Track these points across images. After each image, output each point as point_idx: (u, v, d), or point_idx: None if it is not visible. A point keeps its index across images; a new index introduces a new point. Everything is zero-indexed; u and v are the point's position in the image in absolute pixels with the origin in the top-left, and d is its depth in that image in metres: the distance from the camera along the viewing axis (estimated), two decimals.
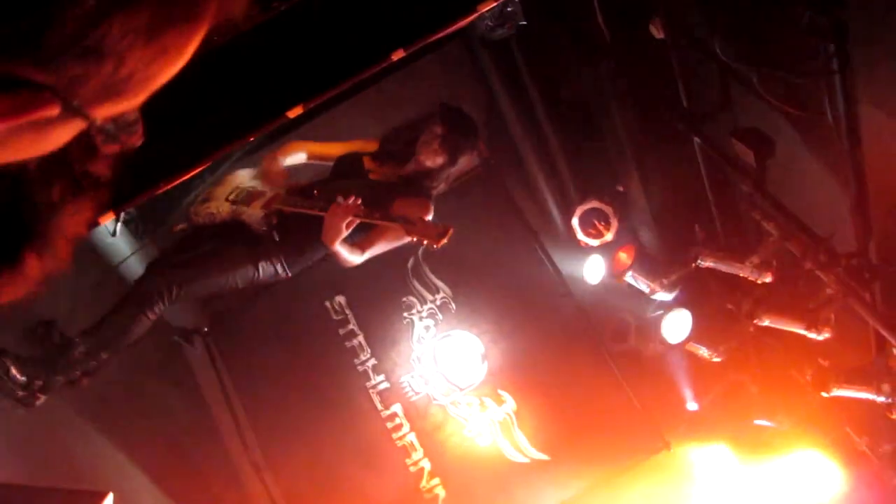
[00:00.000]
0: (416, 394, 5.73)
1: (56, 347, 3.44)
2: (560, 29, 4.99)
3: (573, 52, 4.99)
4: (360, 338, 5.82)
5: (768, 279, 4.39)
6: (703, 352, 5.12)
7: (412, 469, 5.61)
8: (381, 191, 3.78)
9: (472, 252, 5.61)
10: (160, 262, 3.65)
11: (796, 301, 4.36)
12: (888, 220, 3.78)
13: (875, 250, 3.90)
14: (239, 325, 5.90)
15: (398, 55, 2.86)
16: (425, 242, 3.25)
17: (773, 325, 4.40)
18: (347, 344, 5.81)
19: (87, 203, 1.01)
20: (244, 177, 3.89)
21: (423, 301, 5.87)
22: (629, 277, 5.38)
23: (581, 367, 5.78)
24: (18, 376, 3.13)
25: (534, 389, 5.72)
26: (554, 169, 5.84)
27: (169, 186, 2.86)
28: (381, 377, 5.75)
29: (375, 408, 5.71)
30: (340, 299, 5.86)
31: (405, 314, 5.89)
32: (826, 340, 4.19)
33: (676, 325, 5.11)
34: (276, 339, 5.84)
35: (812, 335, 4.20)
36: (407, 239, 3.48)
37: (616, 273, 5.58)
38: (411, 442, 5.65)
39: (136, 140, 0.95)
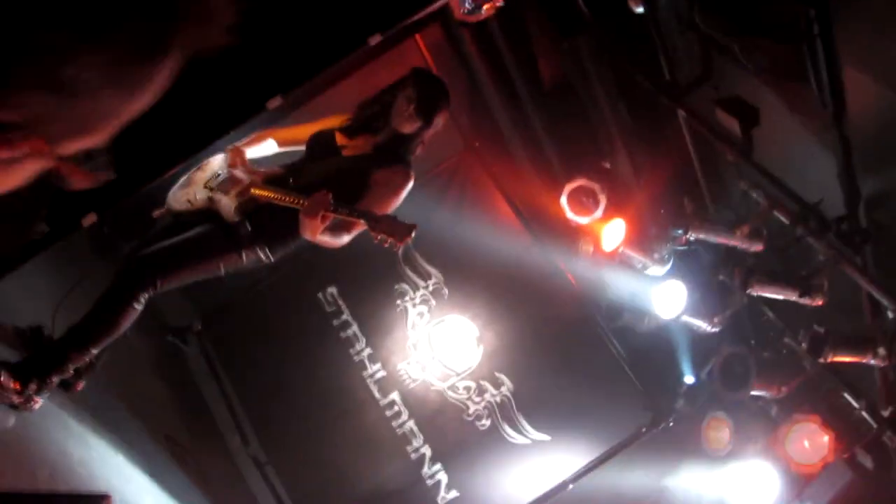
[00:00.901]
0: (414, 381, 5.73)
1: (46, 349, 3.41)
2: (539, 7, 4.97)
3: (553, 30, 4.96)
4: (355, 328, 5.82)
5: (759, 248, 4.40)
6: (699, 324, 5.12)
7: (413, 456, 5.62)
8: (356, 168, 3.75)
9: (462, 237, 5.61)
10: (140, 250, 3.60)
11: (789, 268, 4.36)
12: (875, 183, 3.78)
13: (864, 214, 3.90)
14: (233, 321, 5.89)
15: (375, 40, 2.84)
16: (388, 241, 3.24)
17: (766, 294, 4.41)
18: (342, 335, 5.80)
19: None
20: (223, 163, 3.85)
21: (415, 288, 5.87)
22: (621, 254, 5.37)
23: (577, 345, 5.79)
24: (11, 383, 3.11)
25: (531, 370, 5.72)
26: (539, 149, 5.82)
27: (151, 184, 2.85)
28: (378, 366, 5.75)
29: (373, 397, 5.71)
30: (332, 290, 5.85)
31: (398, 301, 5.89)
32: (820, 307, 4.20)
33: (670, 297, 5.10)
34: (270, 334, 5.84)
35: (806, 302, 4.21)
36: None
37: (607, 251, 5.57)
38: (411, 429, 5.66)
39: (106, 175, 0.94)
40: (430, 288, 5.88)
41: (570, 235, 5.86)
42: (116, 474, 3.77)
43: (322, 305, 5.85)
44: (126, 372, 4.53)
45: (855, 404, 4.75)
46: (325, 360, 5.76)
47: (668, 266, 5.09)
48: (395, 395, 5.70)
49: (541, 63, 5.38)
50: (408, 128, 3.78)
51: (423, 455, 5.61)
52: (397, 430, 5.65)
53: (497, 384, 5.70)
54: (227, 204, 3.60)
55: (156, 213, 3.89)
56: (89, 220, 2.76)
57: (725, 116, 4.00)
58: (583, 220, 5.20)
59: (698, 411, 5.55)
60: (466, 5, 4.54)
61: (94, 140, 0.86)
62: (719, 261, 4.78)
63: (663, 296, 5.09)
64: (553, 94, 5.42)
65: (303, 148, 3.99)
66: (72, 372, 3.39)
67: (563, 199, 5.34)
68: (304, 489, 5.54)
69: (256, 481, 5.60)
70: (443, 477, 5.57)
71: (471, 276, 5.83)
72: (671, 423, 5.56)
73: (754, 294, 4.45)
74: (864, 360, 4.09)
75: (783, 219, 4.32)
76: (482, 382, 5.71)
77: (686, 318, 5.15)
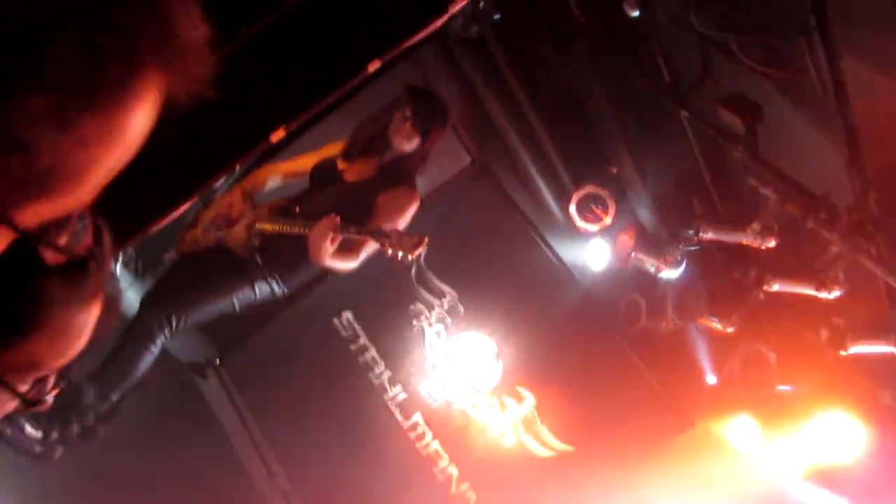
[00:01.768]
0: (435, 400, 5.70)
1: (66, 396, 3.41)
2: (535, 18, 4.98)
3: (551, 39, 4.97)
4: (373, 351, 5.79)
5: (772, 244, 4.37)
6: (717, 324, 5.10)
7: (440, 477, 5.58)
8: (360, 192, 3.76)
9: (473, 252, 5.60)
10: (154, 293, 3.62)
11: (803, 262, 4.34)
12: (885, 169, 3.75)
13: (874, 202, 3.87)
14: (250, 353, 5.87)
15: (374, 66, 2.85)
16: (400, 255, 3.24)
17: (782, 290, 4.38)
18: (360, 359, 5.78)
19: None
20: (227, 200, 3.87)
21: (430, 307, 5.85)
22: (634, 259, 5.36)
23: (596, 353, 5.75)
24: (34, 432, 3.12)
25: (551, 382, 5.68)
26: (545, 159, 5.82)
27: (161, 224, 2.85)
28: (398, 388, 5.72)
29: (396, 419, 5.68)
30: (347, 315, 5.83)
31: (414, 322, 5.86)
32: (837, 298, 4.17)
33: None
34: (288, 364, 5.81)
35: (823, 295, 4.17)
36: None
37: (620, 256, 5.56)
38: (436, 450, 5.62)
39: (84, 246, 0.86)
40: (446, 306, 5.86)
41: (583, 243, 5.86)
42: None
43: (338, 331, 5.83)
44: (146, 413, 4.53)
45: None
46: (345, 385, 5.73)
47: (682, 268, 5.09)
48: (417, 417, 5.67)
49: (541, 73, 5.39)
50: (407, 145, 3.79)
51: (451, 475, 5.57)
52: (422, 452, 5.62)
53: (519, 399, 5.67)
54: (236, 240, 3.61)
55: (165, 256, 3.91)
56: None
57: (728, 114, 3.99)
58: (593, 228, 5.20)
59: None
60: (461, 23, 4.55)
61: (65, 204, 0.75)
62: (732, 259, 4.76)
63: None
64: (555, 103, 5.43)
65: (306, 179, 4.01)
66: (92, 420, 3.39)
67: (573, 208, 5.34)
68: None
69: None
70: (471, 495, 5.53)
71: (485, 292, 5.80)
72: None
73: (770, 290, 4.43)
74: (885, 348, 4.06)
75: (794, 212, 4.29)
76: (504, 398, 5.68)
77: (704, 319, 5.15)
